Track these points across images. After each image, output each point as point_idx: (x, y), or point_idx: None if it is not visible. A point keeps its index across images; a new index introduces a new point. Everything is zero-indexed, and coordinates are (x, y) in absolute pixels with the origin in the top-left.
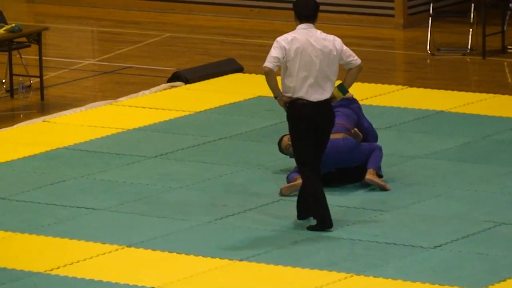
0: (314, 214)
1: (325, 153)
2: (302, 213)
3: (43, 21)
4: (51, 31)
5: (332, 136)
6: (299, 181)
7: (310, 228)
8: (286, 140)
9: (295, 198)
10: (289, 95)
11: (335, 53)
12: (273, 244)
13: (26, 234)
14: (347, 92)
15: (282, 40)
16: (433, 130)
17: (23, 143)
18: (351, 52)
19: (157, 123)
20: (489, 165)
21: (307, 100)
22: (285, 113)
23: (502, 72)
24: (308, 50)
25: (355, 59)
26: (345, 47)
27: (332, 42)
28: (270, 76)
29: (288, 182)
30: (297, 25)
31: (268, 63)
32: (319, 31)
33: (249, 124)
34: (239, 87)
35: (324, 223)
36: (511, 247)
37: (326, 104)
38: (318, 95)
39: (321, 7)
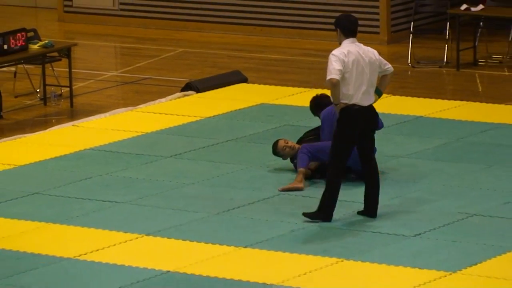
0: (321, 204)
1: (354, 155)
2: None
3: (72, 38)
4: (79, 46)
5: None
6: (299, 185)
7: (307, 215)
8: (283, 143)
9: (293, 193)
10: (345, 101)
11: (377, 63)
12: (274, 233)
13: (57, 224)
14: (382, 94)
15: (340, 54)
16: (413, 133)
17: (55, 145)
18: (385, 61)
19: (172, 127)
20: (462, 164)
21: (361, 106)
22: (283, 119)
23: (474, 82)
24: (360, 61)
25: (390, 67)
26: (380, 57)
27: (373, 53)
28: (337, 86)
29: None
30: (342, 40)
31: (335, 76)
32: (361, 44)
33: (253, 128)
34: (244, 96)
35: (324, 216)
36: (482, 235)
37: (373, 108)
38: (368, 101)
39: (314, 25)
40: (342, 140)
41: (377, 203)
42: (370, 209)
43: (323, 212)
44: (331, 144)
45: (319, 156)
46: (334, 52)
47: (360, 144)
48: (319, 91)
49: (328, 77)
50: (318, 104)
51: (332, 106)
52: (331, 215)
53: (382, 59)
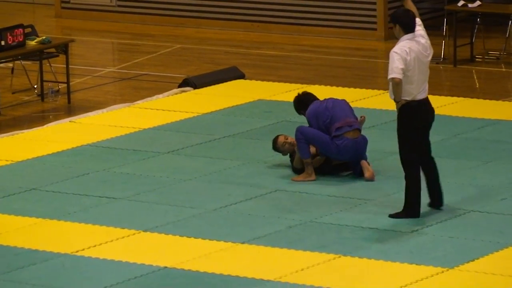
0: (406, 201)
1: (347, 149)
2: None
3: (69, 34)
4: (77, 43)
5: (351, 135)
6: (312, 178)
7: (394, 215)
8: (282, 139)
9: (290, 189)
10: (407, 99)
11: (429, 52)
12: (271, 229)
13: (55, 220)
14: None
15: (402, 52)
16: None
17: (52, 141)
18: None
19: (169, 123)
20: (459, 160)
21: (421, 101)
22: (280, 115)
23: (471, 79)
24: (421, 57)
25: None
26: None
27: (429, 45)
28: (399, 85)
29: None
30: (401, 36)
31: (398, 75)
32: (419, 38)
33: (250, 124)
34: (241, 92)
35: (411, 211)
36: (479, 231)
37: (429, 101)
38: (426, 93)
39: (312, 22)
40: (407, 136)
41: (441, 192)
42: (436, 201)
43: (410, 209)
44: (398, 141)
45: (312, 143)
46: (395, 49)
47: (422, 136)
48: (316, 87)
49: (390, 76)
50: (301, 102)
51: (314, 103)
52: (418, 210)
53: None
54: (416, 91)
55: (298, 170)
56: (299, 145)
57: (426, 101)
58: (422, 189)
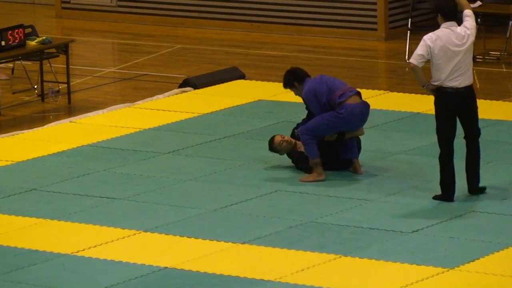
0: (441, 186)
1: (354, 116)
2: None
3: (70, 34)
4: (77, 43)
5: (354, 100)
6: (322, 177)
7: (435, 197)
8: (279, 138)
9: (290, 189)
10: (436, 83)
11: (470, 43)
12: (271, 229)
13: (55, 221)
14: None
15: (428, 39)
16: (411, 129)
17: (53, 141)
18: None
19: (170, 123)
20: (459, 160)
21: (454, 88)
22: (281, 115)
23: None
24: (450, 46)
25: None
26: (473, 33)
27: (469, 35)
28: (415, 70)
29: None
30: (441, 23)
31: (414, 60)
32: (459, 27)
33: (250, 124)
34: (241, 92)
35: (446, 196)
36: (479, 232)
37: (469, 90)
38: (463, 83)
39: (313, 22)
40: (439, 120)
41: (476, 178)
42: (471, 185)
43: (445, 194)
44: (436, 126)
45: (320, 134)
46: (425, 36)
47: (462, 121)
48: None
49: (409, 61)
50: (295, 74)
51: (308, 82)
52: (452, 194)
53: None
54: (444, 77)
55: (304, 168)
56: (307, 146)
57: (461, 91)
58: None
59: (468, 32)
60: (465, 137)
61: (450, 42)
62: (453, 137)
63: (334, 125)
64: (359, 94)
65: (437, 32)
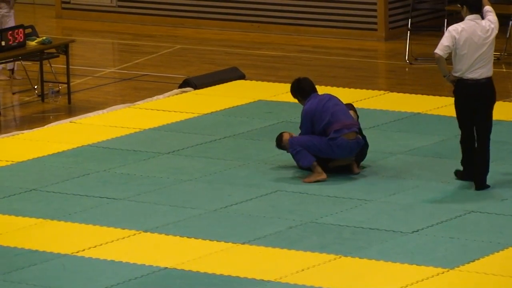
0: (463, 166)
1: (342, 148)
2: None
3: (70, 35)
4: (77, 43)
5: (348, 137)
6: (323, 176)
7: (456, 173)
8: (288, 136)
9: (291, 190)
10: (457, 75)
11: (493, 37)
12: (271, 230)
13: (55, 221)
14: None
15: (453, 30)
16: (411, 129)
17: (53, 141)
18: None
19: (170, 123)
20: (459, 160)
21: (474, 80)
22: (280, 115)
23: None
24: (475, 38)
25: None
26: (496, 28)
27: (492, 28)
28: (440, 61)
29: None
30: (466, 15)
31: (439, 51)
32: (483, 21)
33: (250, 125)
34: (241, 92)
35: (466, 175)
36: (479, 232)
37: (489, 82)
38: (483, 74)
39: (313, 22)
40: (458, 110)
41: (484, 172)
42: (477, 182)
43: (465, 173)
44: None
45: (312, 152)
46: (450, 27)
47: (475, 115)
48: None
49: (434, 51)
50: (301, 89)
51: (312, 99)
52: (470, 174)
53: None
54: (466, 69)
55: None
56: (298, 156)
57: (480, 81)
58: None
59: (492, 25)
60: (476, 133)
61: (475, 34)
62: (472, 124)
63: (321, 151)
64: (356, 131)
65: (462, 24)
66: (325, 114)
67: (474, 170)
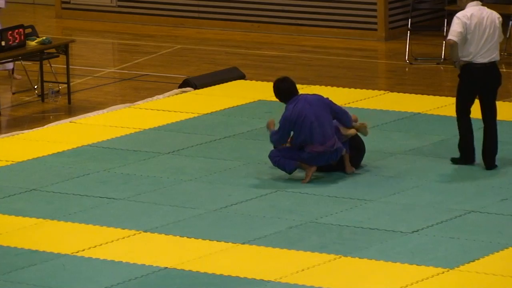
0: (460, 149)
1: (319, 157)
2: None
3: (70, 35)
4: (77, 43)
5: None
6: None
7: (453, 160)
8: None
9: (290, 190)
10: (467, 59)
11: (497, 23)
12: (271, 229)
13: (56, 221)
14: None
15: (463, 16)
16: (411, 129)
17: (53, 141)
18: (501, 28)
19: (170, 123)
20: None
21: (482, 63)
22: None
23: None
24: (483, 23)
25: (501, 35)
26: (501, 20)
27: (495, 15)
28: (454, 47)
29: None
30: (467, 2)
31: (453, 37)
32: (485, 7)
33: (250, 125)
34: (241, 92)
35: (467, 159)
36: (479, 232)
37: (495, 65)
38: (489, 57)
39: (314, 22)
40: (461, 92)
41: (493, 153)
42: (487, 162)
43: (464, 156)
44: (456, 97)
45: (292, 156)
46: (458, 14)
47: (482, 98)
48: (316, 88)
49: (447, 38)
50: (281, 92)
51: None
52: (472, 156)
53: (500, 26)
54: (475, 53)
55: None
56: (281, 165)
57: (488, 66)
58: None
59: (498, 14)
60: (483, 118)
61: (482, 18)
62: (470, 108)
63: (303, 160)
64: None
65: (468, 10)
66: (303, 130)
67: (484, 151)
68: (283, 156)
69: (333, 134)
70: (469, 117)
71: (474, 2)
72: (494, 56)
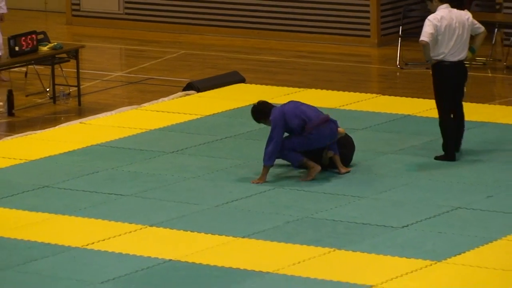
0: (443, 148)
1: (325, 136)
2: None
3: (80, 40)
4: (86, 48)
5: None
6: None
7: (437, 158)
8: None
9: (288, 187)
10: (439, 58)
11: (468, 24)
12: (269, 224)
13: (66, 216)
14: (475, 52)
15: (434, 19)
16: (401, 130)
17: (63, 141)
18: (476, 22)
19: (174, 124)
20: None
21: (451, 62)
22: None
23: None
24: (453, 25)
25: (480, 27)
26: (472, 20)
27: (465, 16)
28: (426, 47)
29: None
30: (437, 5)
31: (425, 38)
32: (454, 9)
33: (250, 126)
34: (241, 95)
35: (448, 155)
36: (465, 227)
37: (463, 64)
38: (459, 57)
39: (309, 29)
40: (439, 91)
41: (459, 143)
42: (457, 148)
43: (446, 154)
44: (436, 98)
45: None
46: (429, 17)
47: (452, 95)
48: (312, 91)
49: (420, 38)
50: (261, 111)
51: (275, 108)
52: (453, 154)
53: (474, 21)
54: (446, 52)
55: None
56: (288, 158)
57: (457, 64)
58: None
59: (468, 14)
60: (453, 115)
61: (452, 20)
62: (452, 104)
63: (308, 146)
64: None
65: (438, 13)
66: (295, 112)
67: (456, 138)
68: (292, 149)
69: (322, 113)
70: (450, 117)
71: (444, 5)
72: (463, 55)
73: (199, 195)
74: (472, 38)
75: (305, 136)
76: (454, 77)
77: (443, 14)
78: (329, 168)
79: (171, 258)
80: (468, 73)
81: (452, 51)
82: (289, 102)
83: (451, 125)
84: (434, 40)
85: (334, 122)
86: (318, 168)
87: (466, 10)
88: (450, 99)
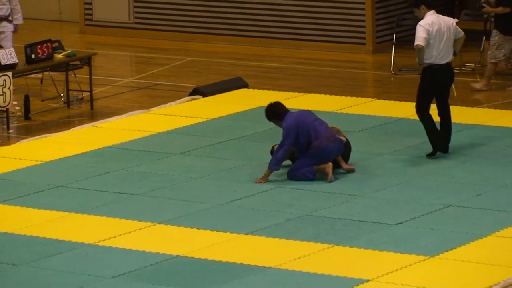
0: (430, 142)
1: (332, 152)
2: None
3: (92, 48)
4: (99, 56)
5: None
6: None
7: (429, 155)
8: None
9: (289, 186)
10: (429, 62)
11: (453, 29)
12: (271, 222)
13: (79, 214)
14: (456, 55)
15: (425, 24)
16: (396, 132)
17: (77, 143)
18: (458, 28)
19: (181, 127)
20: (439, 160)
21: (441, 64)
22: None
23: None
24: (442, 29)
25: (461, 31)
26: (456, 26)
27: (450, 21)
28: (421, 51)
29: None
30: (425, 12)
31: (421, 42)
32: (440, 15)
33: (253, 128)
34: (244, 100)
35: (438, 148)
36: (457, 224)
37: (450, 66)
38: (447, 59)
39: (308, 37)
40: (424, 91)
41: (449, 141)
42: (444, 146)
43: (434, 147)
44: (417, 94)
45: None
46: (421, 23)
47: (439, 94)
48: (311, 96)
49: (415, 43)
50: (274, 112)
51: (289, 115)
52: (441, 145)
53: (457, 27)
54: (436, 56)
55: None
56: (302, 175)
57: (445, 66)
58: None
59: (453, 20)
60: (439, 114)
61: (441, 25)
62: (429, 106)
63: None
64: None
65: (428, 18)
66: (307, 127)
67: (444, 138)
68: (300, 168)
69: (329, 130)
70: (430, 114)
71: (431, 11)
72: (450, 58)
73: (205, 194)
74: (453, 42)
75: (312, 154)
76: (442, 80)
77: (433, 20)
78: (334, 168)
79: (178, 254)
80: (458, 78)
81: (441, 54)
82: (303, 112)
83: (431, 120)
84: (427, 44)
85: (340, 142)
86: (330, 164)
87: (450, 17)
88: (431, 100)
